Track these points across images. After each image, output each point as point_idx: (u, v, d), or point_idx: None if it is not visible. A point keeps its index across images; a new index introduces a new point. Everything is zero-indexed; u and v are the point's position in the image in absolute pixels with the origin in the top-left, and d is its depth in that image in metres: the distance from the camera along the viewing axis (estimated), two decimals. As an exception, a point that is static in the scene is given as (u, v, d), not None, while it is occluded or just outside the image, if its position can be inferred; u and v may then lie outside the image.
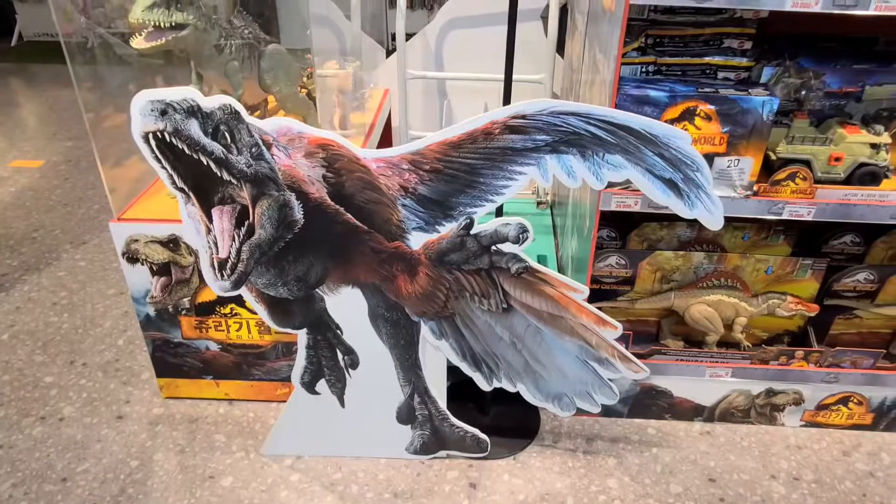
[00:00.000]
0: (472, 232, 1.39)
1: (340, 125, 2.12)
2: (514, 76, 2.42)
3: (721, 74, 1.55)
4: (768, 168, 1.52)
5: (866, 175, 1.47)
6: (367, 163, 1.33)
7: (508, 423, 1.84)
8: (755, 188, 1.49)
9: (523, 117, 1.26)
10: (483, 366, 1.57)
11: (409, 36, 2.69)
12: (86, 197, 3.14)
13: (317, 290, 1.47)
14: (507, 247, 1.40)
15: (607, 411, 1.86)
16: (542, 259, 2.24)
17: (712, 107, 1.39)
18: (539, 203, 2.61)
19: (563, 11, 2.39)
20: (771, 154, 1.52)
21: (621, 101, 1.41)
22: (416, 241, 1.40)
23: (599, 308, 1.82)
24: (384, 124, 2.50)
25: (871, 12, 1.26)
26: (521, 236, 1.38)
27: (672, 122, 1.42)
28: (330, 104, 2.10)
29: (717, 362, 1.76)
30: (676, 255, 1.74)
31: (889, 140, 1.45)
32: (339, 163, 1.32)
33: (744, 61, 1.53)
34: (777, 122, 1.54)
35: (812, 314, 1.74)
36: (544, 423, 1.85)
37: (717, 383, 1.79)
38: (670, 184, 1.30)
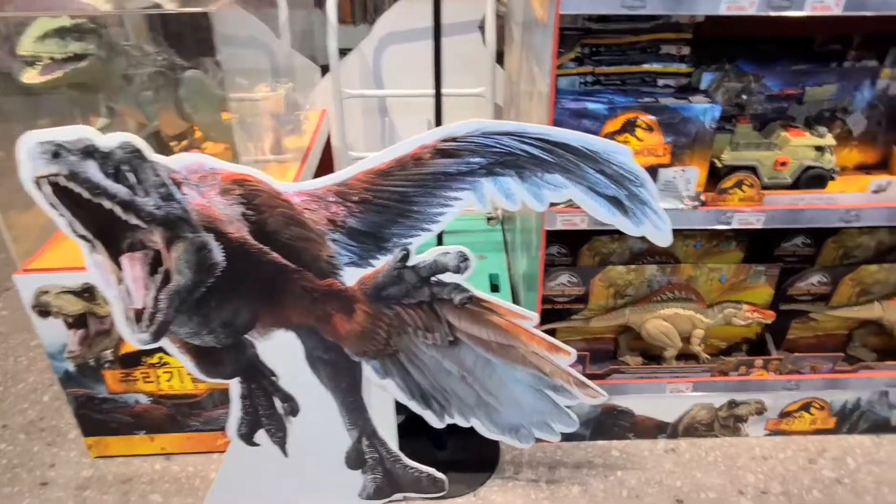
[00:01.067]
0: (410, 264, 1.29)
1: (273, 150, 2.00)
2: (455, 90, 2.34)
3: (661, 82, 1.49)
4: (716, 176, 1.47)
5: (813, 178, 1.43)
6: (288, 197, 1.22)
7: (467, 456, 1.74)
8: (703, 198, 1.44)
9: (454, 140, 1.17)
10: (433, 402, 1.47)
11: (345, 52, 2.59)
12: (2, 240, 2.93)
13: (246, 335, 1.35)
14: (448, 277, 1.30)
15: (569, 435, 1.77)
16: (493, 277, 2.16)
17: (653, 117, 1.33)
18: (489, 219, 2.54)
19: (502, 21, 2.32)
20: (717, 162, 1.47)
21: (560, 116, 1.34)
22: (351, 276, 1.30)
23: (554, 329, 1.75)
24: (323, 147, 2.38)
25: (806, 13, 1.21)
26: (461, 265, 1.29)
27: (613, 134, 1.35)
28: (261, 129, 1.98)
29: (676, 377, 1.70)
30: (628, 270, 1.67)
31: (833, 142, 1.41)
32: (259, 199, 1.21)
33: (683, 67, 1.48)
34: (720, 128, 1.49)
35: (769, 321, 1.69)
36: (504, 452, 1.76)
37: (679, 398, 1.72)
38: (614, 201, 1.23)
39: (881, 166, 1.57)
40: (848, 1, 1.19)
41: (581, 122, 1.34)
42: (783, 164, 1.42)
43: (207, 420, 1.73)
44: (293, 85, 2.33)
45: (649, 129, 1.34)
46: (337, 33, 2.20)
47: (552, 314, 1.74)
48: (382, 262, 1.29)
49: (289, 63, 2.40)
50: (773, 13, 1.20)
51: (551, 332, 1.78)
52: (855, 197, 1.43)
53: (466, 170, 1.19)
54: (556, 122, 1.34)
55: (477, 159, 1.18)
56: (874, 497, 1.61)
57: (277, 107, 2.10)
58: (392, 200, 1.22)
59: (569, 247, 1.83)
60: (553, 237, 1.79)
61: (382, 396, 1.47)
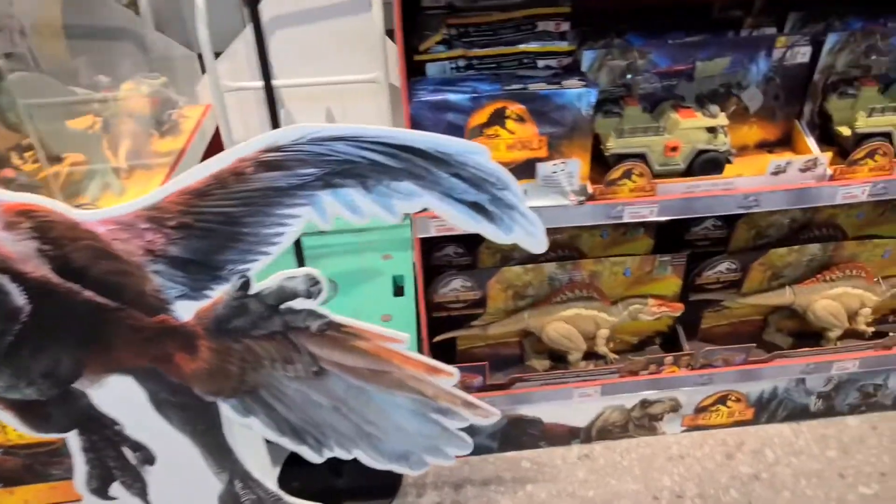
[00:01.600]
0: (253, 292, 1.11)
1: (132, 156, 1.78)
2: (346, 77, 2.14)
3: (542, 63, 1.34)
4: (606, 166, 1.33)
5: (707, 163, 1.30)
6: (90, 227, 1.03)
7: (366, 481, 1.59)
8: (591, 191, 1.30)
9: (278, 150, 0.99)
10: (307, 437, 1.31)
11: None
12: None
13: (75, 385, 1.17)
14: (300, 303, 1.14)
15: (477, 448, 1.65)
16: (398, 279, 2.00)
17: (523, 106, 1.18)
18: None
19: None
20: (604, 150, 1.33)
21: (418, 110, 1.17)
22: (185, 310, 1.12)
23: (450, 338, 1.61)
24: (207, 147, 2.17)
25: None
26: (312, 289, 1.12)
27: (481, 127, 1.20)
28: (122, 134, 1.76)
29: (584, 381, 1.58)
30: (526, 270, 1.54)
31: (725, 121, 1.28)
32: (54, 231, 1.02)
33: (564, 45, 1.32)
34: (608, 111, 1.35)
35: (677, 314, 1.58)
36: (406, 475, 1.62)
37: (588, 403, 1.61)
38: (477, 207, 1.07)
39: (784, 142, 1.45)
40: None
41: (443, 115, 1.18)
42: (674, 149, 1.28)
43: (70, 468, 1.54)
44: (166, 79, 2.10)
45: (520, 119, 1.19)
46: (206, 18, 1.97)
47: (449, 323, 1.60)
48: (220, 293, 1.11)
49: (163, 53, 2.17)
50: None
51: (449, 342, 1.65)
52: (753, 180, 1.31)
53: (299, 183, 1.02)
54: (415, 118, 1.17)
55: (309, 170, 1.01)
56: (792, 492, 1.53)
57: (142, 106, 1.88)
58: (217, 223, 1.04)
59: (466, 245, 1.69)
60: (449, 237, 1.64)
61: (250, 435, 1.30)
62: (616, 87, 1.34)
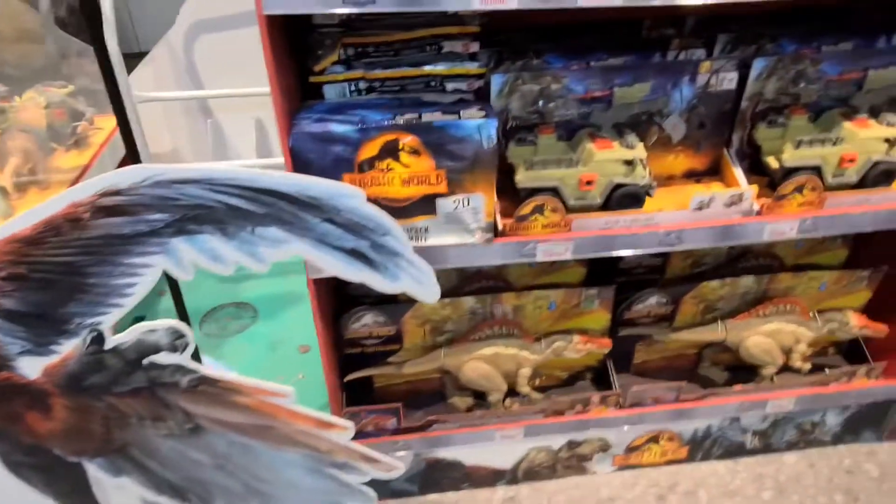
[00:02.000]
0: (109, 346, 1.00)
1: (30, 173, 1.64)
2: (251, 90, 2.02)
3: (450, 86, 1.23)
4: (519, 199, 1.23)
5: (625, 197, 1.21)
6: None
7: (272, 531, 1.48)
8: (502, 226, 1.20)
9: (118, 193, 0.87)
10: (191, 496, 1.19)
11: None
12: None
13: (-89, 448, 1.04)
14: (166, 357, 1.02)
15: (394, 492, 1.55)
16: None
17: (417, 138, 1.07)
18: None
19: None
20: (516, 183, 1.22)
21: (299, 143, 1.06)
22: (31, 367, 1.00)
23: (363, 378, 1.50)
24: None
25: (585, 4, 0.96)
26: (177, 343, 1.01)
27: (372, 160, 1.08)
28: (10, 150, 1.62)
29: (506, 423, 1.48)
30: (443, 304, 1.43)
31: (643, 154, 1.19)
32: None
33: (473, 67, 1.21)
34: (521, 140, 1.24)
35: (605, 350, 1.49)
36: (317, 523, 1.51)
37: (512, 444, 1.51)
38: (356, 254, 0.97)
39: (712, 172, 1.36)
40: (629, -12, 0.95)
41: (329, 147, 1.06)
42: (589, 182, 1.19)
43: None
44: (74, 87, 1.96)
45: (415, 152, 1.08)
46: (114, 27, 1.83)
47: (363, 360, 1.49)
48: (69, 348, 0.99)
49: (72, 59, 2.02)
50: (537, 6, 0.95)
51: (367, 381, 1.54)
52: (675, 216, 1.21)
53: (147, 230, 0.90)
54: (296, 151, 1.06)
55: (157, 216, 0.89)
56: (723, 539, 1.45)
57: (39, 118, 1.74)
58: (57, 273, 0.92)
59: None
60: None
61: (127, 492, 1.18)
62: (529, 114, 1.24)
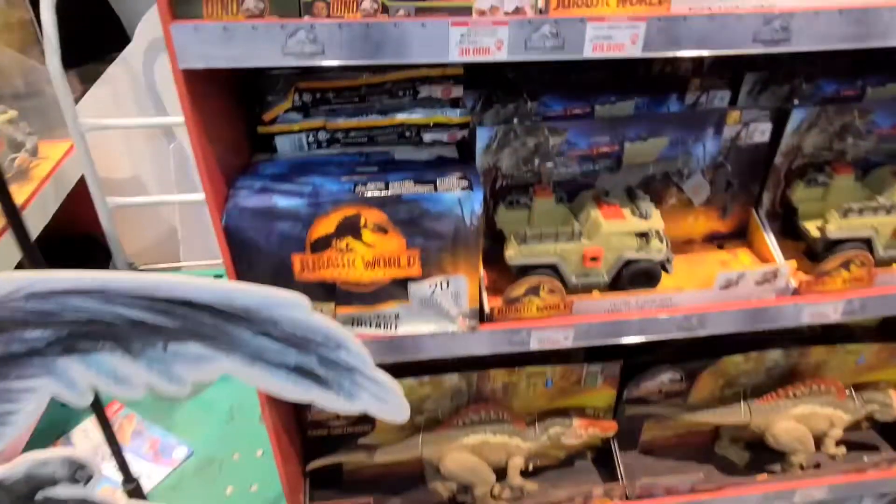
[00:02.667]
0: (-9, 480, 0.79)
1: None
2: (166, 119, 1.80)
3: (428, 136, 1.03)
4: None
5: (638, 275, 1.01)
6: None
7: None
8: (489, 309, 0.99)
9: (-19, 309, 0.67)
10: None
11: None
12: None
13: None
14: (65, 489, 0.82)
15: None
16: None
17: (383, 213, 0.86)
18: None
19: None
20: (507, 259, 1.02)
21: (236, 221, 0.85)
22: None
23: (328, 465, 1.30)
24: (68, 195, 1.82)
25: (588, 55, 0.76)
26: (77, 474, 0.80)
27: (330, 238, 0.88)
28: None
29: (494, 518, 1.28)
30: (421, 383, 1.23)
31: (661, 224, 0.99)
32: None
33: (455, 116, 1.01)
34: (513, 203, 1.04)
35: (609, 434, 1.29)
36: None
37: (501, 541, 1.31)
38: (302, 372, 0.76)
39: (738, 234, 1.17)
40: (650, 38, 0.74)
41: (272, 225, 0.86)
42: (594, 259, 0.99)
43: None
44: (16, 113, 1.75)
45: (381, 230, 0.88)
46: (56, 46, 1.62)
47: (330, 443, 1.29)
48: (-60, 484, 0.79)
49: (27, 79, 1.82)
50: (533, 57, 0.75)
51: (336, 467, 1.34)
52: (697, 296, 1.02)
53: (23, 350, 0.70)
54: (233, 231, 0.85)
55: (37, 333, 0.69)
56: None
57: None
58: (-88, 402, 0.72)
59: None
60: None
61: None
62: (523, 173, 1.04)
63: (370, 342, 0.97)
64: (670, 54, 0.76)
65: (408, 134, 1.04)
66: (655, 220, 0.98)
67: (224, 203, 0.86)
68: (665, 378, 1.29)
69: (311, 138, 1.03)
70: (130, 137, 2.13)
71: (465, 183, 0.87)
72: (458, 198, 0.86)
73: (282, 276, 0.90)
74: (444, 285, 0.94)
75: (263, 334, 0.73)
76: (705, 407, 1.35)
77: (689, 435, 1.43)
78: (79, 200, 1.85)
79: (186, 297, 0.69)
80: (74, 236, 2.00)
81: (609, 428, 1.28)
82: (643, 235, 0.98)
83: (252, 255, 0.87)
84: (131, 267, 1.96)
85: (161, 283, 0.68)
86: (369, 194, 0.86)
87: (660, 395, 1.33)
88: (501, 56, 0.74)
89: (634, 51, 0.75)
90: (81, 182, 1.84)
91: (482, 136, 0.99)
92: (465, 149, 1.04)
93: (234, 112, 0.99)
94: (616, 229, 0.97)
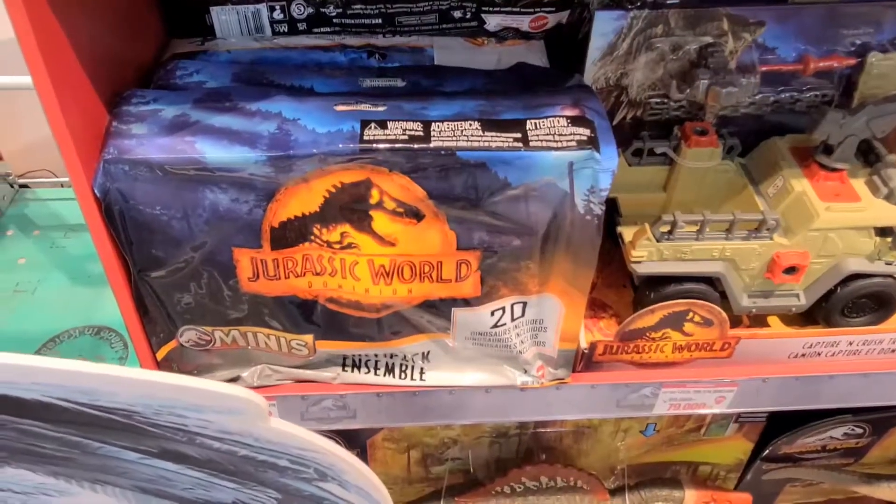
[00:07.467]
0: None
1: None
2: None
3: (494, 21, 0.69)
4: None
5: (867, 299, 0.70)
6: None
7: None
8: (587, 347, 0.69)
9: None
10: None
11: None
12: None
13: None
14: None
15: None
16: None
17: (417, 183, 0.54)
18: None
19: None
20: (629, 260, 0.71)
21: (116, 188, 0.53)
22: None
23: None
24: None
25: None
26: None
27: (309, 223, 0.56)
28: None
29: None
30: (427, 430, 0.95)
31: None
32: None
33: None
34: (642, 153, 0.72)
35: (739, 510, 1.03)
36: None
37: None
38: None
39: None
40: None
41: (199, 196, 0.54)
42: (792, 269, 0.67)
43: None
44: None
45: (411, 213, 0.55)
46: None
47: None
48: None
49: None
50: None
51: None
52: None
53: None
54: (113, 204, 0.54)
55: None
56: None
57: None
58: None
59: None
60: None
61: None
62: (670, 101, 0.70)
63: (372, 397, 0.67)
64: None
65: (458, 14, 0.70)
66: (907, 193, 0.66)
67: (97, 147, 0.53)
68: (838, 433, 1.01)
69: (277, 12, 0.68)
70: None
71: (582, 131, 0.54)
72: (568, 160, 0.53)
73: (212, 291, 0.59)
74: (519, 311, 0.62)
75: (162, 455, 0.43)
76: (882, 470, 1.09)
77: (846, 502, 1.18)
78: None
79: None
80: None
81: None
82: (888, 233, 0.66)
83: (151, 250, 0.56)
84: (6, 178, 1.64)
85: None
86: (388, 144, 0.52)
87: (820, 453, 1.06)
88: None
89: None
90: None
91: (603, 26, 0.64)
92: (564, 49, 0.70)
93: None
94: (841, 220, 0.65)
